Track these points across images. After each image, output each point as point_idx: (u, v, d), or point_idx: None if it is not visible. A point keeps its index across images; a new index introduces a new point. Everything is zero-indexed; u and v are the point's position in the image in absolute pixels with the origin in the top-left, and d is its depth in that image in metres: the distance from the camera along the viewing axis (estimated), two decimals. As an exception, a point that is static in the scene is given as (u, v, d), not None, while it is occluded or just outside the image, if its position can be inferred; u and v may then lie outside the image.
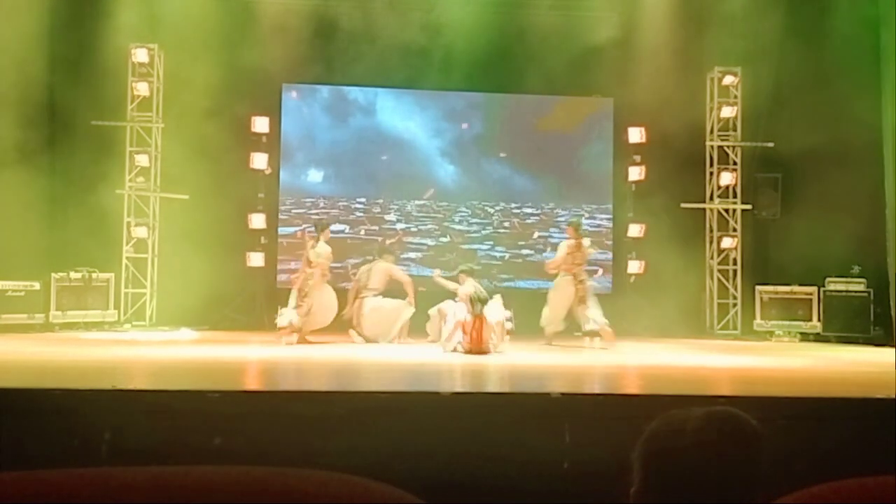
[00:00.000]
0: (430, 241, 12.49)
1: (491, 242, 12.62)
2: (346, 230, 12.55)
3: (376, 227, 12.50)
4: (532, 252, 12.64)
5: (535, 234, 12.70)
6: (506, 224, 12.70)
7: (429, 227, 12.56)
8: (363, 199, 12.62)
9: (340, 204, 12.55)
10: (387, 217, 12.56)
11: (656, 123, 11.65)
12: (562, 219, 12.64)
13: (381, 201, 12.60)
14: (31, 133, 10.69)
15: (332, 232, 12.20)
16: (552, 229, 12.67)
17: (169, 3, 11.17)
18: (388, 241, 12.05)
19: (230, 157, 11.37)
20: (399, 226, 12.54)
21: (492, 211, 12.71)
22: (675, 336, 10.97)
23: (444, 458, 4.01)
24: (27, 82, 10.42)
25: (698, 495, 1.56)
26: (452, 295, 9.05)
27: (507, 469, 4.00)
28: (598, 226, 12.62)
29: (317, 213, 12.38)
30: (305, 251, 9.50)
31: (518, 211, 12.75)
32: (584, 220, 11.46)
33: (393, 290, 9.96)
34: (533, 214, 12.75)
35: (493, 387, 6.04)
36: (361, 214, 12.55)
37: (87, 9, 11.17)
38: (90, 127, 11.16)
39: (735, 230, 12.01)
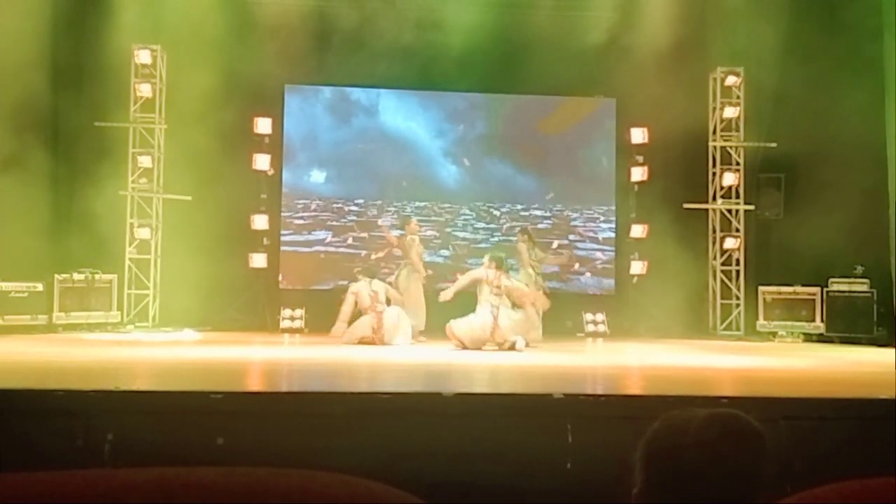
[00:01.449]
0: (427, 256, 11.27)
1: (502, 255, 11.58)
2: (329, 238, 12.32)
3: (365, 235, 12.29)
4: (556, 268, 12.15)
5: (555, 244, 12.38)
6: (517, 230, 12.55)
7: (428, 234, 12.02)
8: (360, 201, 12.50)
9: (334, 206, 12.45)
10: (381, 222, 12.25)
11: (659, 124, 11.65)
12: (577, 223, 12.58)
13: (379, 202, 12.49)
14: (34, 134, 10.70)
15: (306, 246, 12.15)
16: (571, 236, 12.46)
17: (171, 5, 11.19)
18: (374, 256, 11.75)
19: (233, 158, 11.36)
20: (395, 232, 12.33)
21: (498, 213, 12.60)
22: (677, 336, 10.96)
23: (447, 458, 4.01)
24: (30, 83, 10.42)
25: (700, 496, 1.56)
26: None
27: (509, 470, 4.00)
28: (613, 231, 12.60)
29: (301, 219, 12.28)
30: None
31: (526, 213, 12.65)
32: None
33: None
34: (544, 217, 12.64)
35: (495, 388, 6.04)
36: (354, 218, 12.39)
37: (90, 10, 11.18)
38: (93, 128, 11.17)
39: (738, 230, 12.00)
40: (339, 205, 12.45)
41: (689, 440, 1.59)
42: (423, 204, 12.48)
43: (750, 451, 1.59)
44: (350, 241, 12.31)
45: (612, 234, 12.58)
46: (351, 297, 9.65)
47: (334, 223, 12.37)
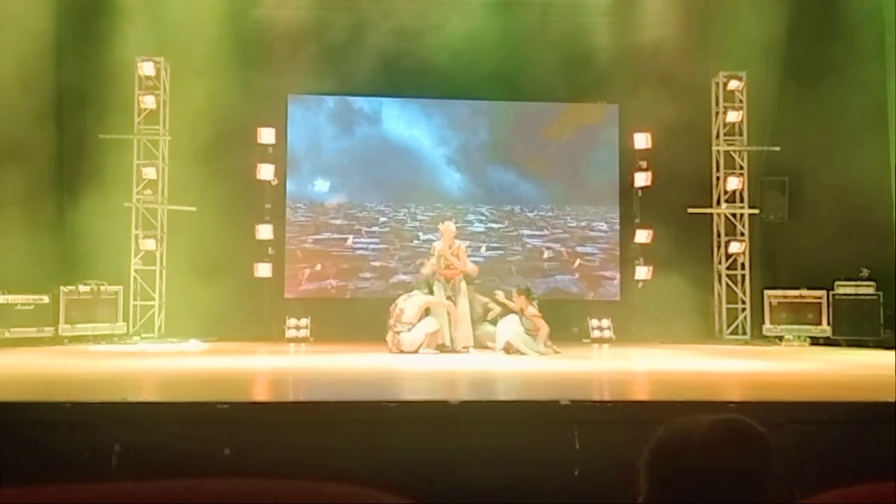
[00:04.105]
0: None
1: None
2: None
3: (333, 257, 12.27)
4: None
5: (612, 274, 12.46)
6: (548, 253, 12.43)
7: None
8: (358, 213, 12.45)
9: (321, 218, 12.37)
10: (360, 241, 12.26)
11: (661, 129, 11.64)
12: (603, 232, 12.55)
13: (368, 213, 12.44)
14: (39, 146, 10.75)
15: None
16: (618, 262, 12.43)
17: (175, 17, 11.22)
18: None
19: (237, 168, 11.40)
20: (376, 264, 12.24)
21: (507, 223, 12.54)
22: (683, 341, 10.94)
23: (453, 466, 4.00)
24: (34, 96, 10.46)
25: (705, 502, 1.56)
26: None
27: (516, 477, 3.99)
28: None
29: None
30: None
31: (545, 223, 12.55)
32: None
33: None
34: (547, 223, 12.59)
35: (501, 395, 6.04)
36: (332, 235, 12.32)
37: (94, 23, 11.22)
38: (97, 140, 11.20)
39: (743, 234, 11.98)
40: (325, 218, 12.38)
41: (694, 446, 1.58)
42: (426, 213, 12.46)
43: (754, 456, 1.59)
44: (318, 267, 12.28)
45: (617, 240, 12.56)
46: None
47: (297, 247, 12.25)
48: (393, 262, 12.33)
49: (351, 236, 12.38)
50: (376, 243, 12.39)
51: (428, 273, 9.74)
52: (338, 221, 12.41)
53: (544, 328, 9.04)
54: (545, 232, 12.64)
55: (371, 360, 8.45)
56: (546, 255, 12.58)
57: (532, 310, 9.16)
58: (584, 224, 12.65)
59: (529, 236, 12.62)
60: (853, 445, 4.16)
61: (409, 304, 9.29)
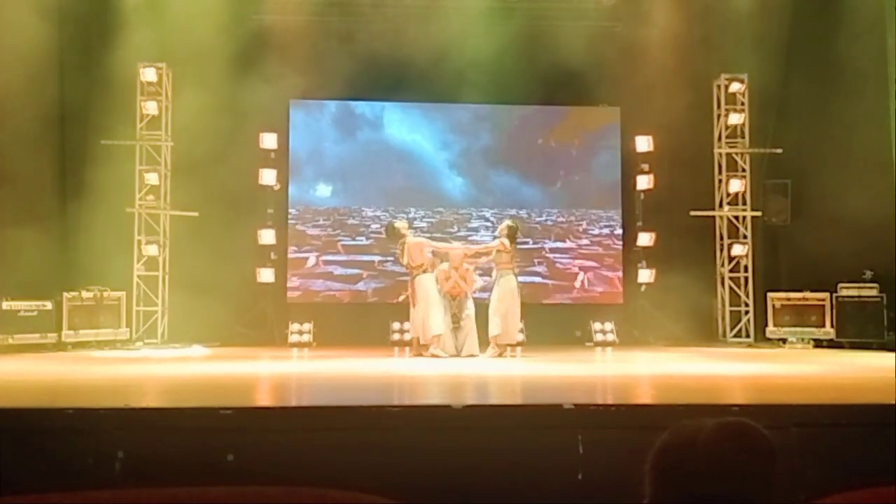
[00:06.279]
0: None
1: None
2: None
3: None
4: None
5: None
6: (583, 276, 12.32)
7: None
8: (343, 216, 12.40)
9: (298, 227, 12.29)
10: (330, 261, 12.19)
11: (664, 132, 11.65)
12: (583, 231, 12.54)
13: (362, 219, 12.40)
14: (42, 153, 10.77)
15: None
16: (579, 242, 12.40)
17: (176, 23, 11.24)
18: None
19: (239, 173, 11.40)
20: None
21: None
22: (687, 344, 10.94)
23: (457, 471, 4.00)
24: (37, 102, 10.48)
25: (711, 508, 1.56)
26: None
27: (520, 481, 3.99)
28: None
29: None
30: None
31: (550, 225, 12.55)
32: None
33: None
34: (550, 226, 12.60)
35: (504, 399, 6.03)
36: (297, 254, 12.23)
37: (96, 29, 11.25)
38: (100, 146, 11.21)
39: (745, 237, 11.97)
40: (307, 229, 12.31)
41: (698, 450, 1.58)
42: (426, 219, 12.44)
43: (759, 459, 1.59)
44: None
45: (620, 243, 12.54)
46: None
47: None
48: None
49: (314, 254, 12.20)
50: (347, 266, 12.21)
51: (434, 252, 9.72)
52: (316, 231, 12.30)
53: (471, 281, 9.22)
54: (569, 244, 12.51)
55: (374, 364, 8.44)
56: (580, 279, 12.42)
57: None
58: (606, 232, 12.55)
59: (552, 251, 12.50)
60: (857, 448, 4.15)
61: (415, 248, 9.30)
